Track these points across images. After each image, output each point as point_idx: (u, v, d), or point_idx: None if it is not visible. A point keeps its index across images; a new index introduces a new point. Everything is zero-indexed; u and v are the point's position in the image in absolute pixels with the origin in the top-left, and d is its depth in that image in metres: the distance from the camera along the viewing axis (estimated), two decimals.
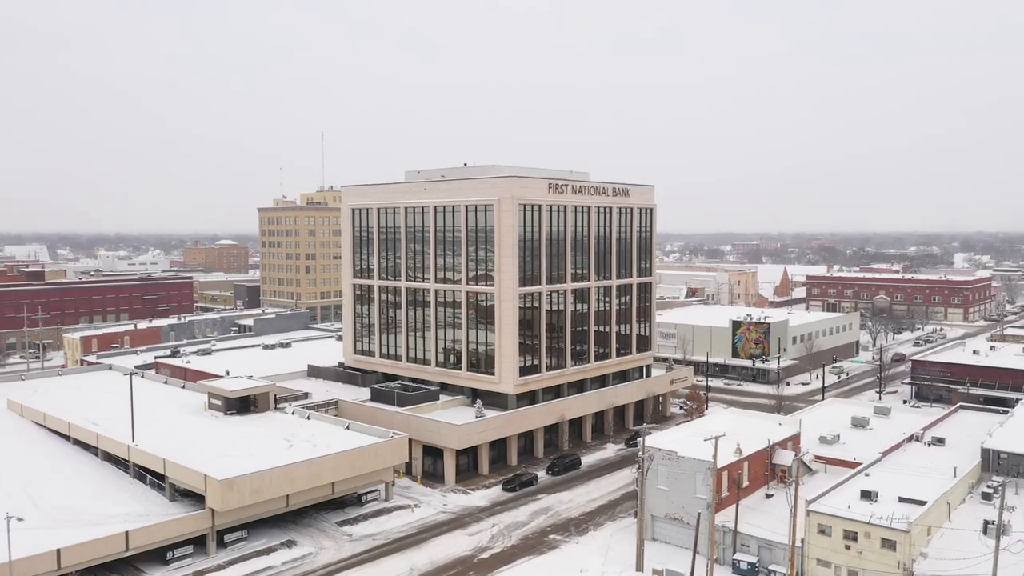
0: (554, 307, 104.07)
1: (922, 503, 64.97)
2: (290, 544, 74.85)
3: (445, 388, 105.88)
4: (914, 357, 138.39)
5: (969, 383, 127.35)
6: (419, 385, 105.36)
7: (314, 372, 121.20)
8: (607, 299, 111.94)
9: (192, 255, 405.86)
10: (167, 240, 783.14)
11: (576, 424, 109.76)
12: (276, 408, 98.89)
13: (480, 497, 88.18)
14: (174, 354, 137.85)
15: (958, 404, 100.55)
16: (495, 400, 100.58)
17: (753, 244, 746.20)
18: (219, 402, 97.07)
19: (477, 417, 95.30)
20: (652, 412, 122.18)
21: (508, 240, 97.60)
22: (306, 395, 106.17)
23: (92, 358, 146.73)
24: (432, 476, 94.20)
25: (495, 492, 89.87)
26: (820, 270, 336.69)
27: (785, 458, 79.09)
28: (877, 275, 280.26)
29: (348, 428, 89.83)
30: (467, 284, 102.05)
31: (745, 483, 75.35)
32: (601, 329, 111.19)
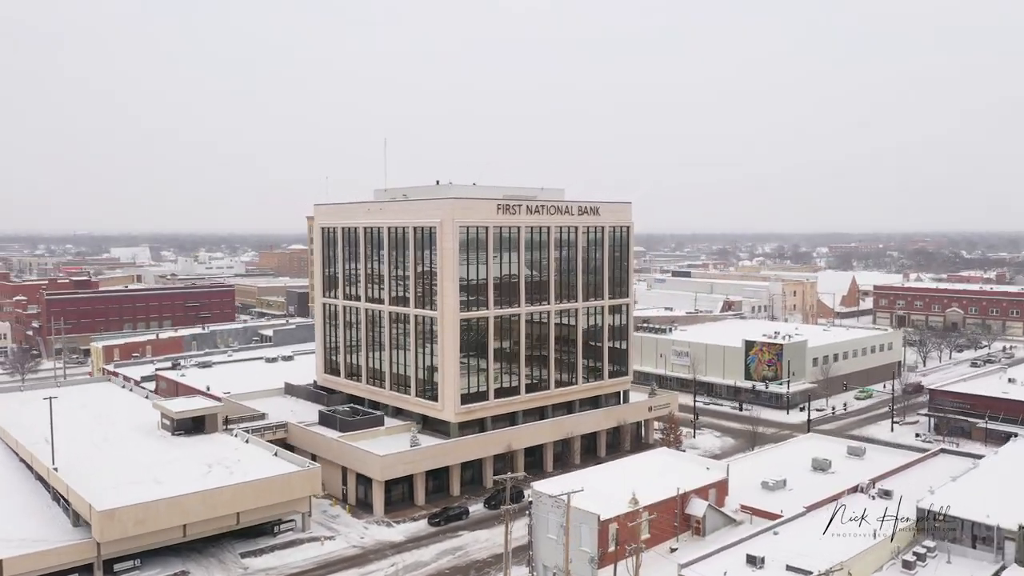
0: (505, 332, 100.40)
1: (808, 574, 58.38)
2: None
3: (400, 413, 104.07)
4: (931, 386, 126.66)
5: (988, 417, 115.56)
6: (367, 409, 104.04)
7: (290, 390, 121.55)
8: (572, 323, 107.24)
9: (266, 259, 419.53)
10: (266, 241, 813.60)
11: (537, 452, 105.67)
12: (225, 429, 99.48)
13: (401, 531, 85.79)
14: (174, 366, 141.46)
15: (938, 448, 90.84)
16: (441, 427, 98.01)
17: (852, 246, 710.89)
18: (168, 422, 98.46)
19: (412, 446, 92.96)
20: (631, 440, 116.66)
21: (449, 263, 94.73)
22: (262, 416, 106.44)
23: (110, 367, 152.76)
24: (365, 505, 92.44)
25: (420, 526, 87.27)
26: (900, 278, 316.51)
27: (699, 508, 73.19)
28: (955, 285, 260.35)
29: (276, 455, 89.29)
30: (415, 307, 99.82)
31: (644, 535, 69.93)
32: (564, 354, 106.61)
